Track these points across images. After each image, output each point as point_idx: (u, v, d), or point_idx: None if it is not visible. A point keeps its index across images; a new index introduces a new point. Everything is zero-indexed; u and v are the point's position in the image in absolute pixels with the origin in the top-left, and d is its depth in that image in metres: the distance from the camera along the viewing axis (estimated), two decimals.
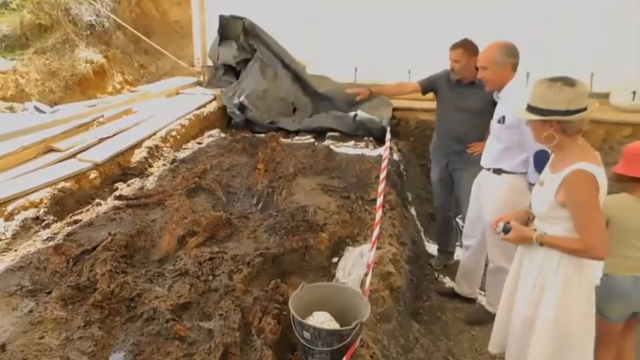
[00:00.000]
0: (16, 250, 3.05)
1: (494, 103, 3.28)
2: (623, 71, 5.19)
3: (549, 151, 2.95)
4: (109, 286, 2.51)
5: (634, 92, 4.98)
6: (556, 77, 2.11)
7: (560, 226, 2.16)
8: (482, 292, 3.73)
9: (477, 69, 3.52)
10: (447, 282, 4.09)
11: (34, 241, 3.15)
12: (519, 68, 3.15)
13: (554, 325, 2.18)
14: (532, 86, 2.19)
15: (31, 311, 2.41)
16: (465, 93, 3.73)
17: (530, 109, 2.17)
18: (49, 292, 2.59)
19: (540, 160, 3.00)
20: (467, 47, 3.63)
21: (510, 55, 3.05)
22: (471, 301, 3.78)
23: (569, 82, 2.07)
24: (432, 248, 4.58)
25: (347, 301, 2.25)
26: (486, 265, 3.60)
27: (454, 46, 3.68)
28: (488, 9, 5.42)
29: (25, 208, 3.40)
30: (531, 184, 2.97)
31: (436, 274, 4.19)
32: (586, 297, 2.21)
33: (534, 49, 4.95)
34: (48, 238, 3.17)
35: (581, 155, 2.10)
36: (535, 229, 2.27)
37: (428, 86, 4.07)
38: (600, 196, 2.08)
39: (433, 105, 4.23)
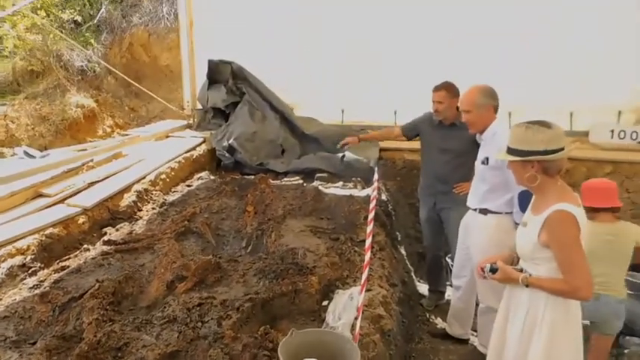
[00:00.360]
0: (0, 299, 2.99)
1: (477, 144, 3.36)
2: (600, 110, 5.37)
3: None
4: (95, 336, 2.47)
5: (612, 131, 5.14)
6: (533, 121, 2.19)
7: (544, 267, 2.19)
8: (475, 333, 3.70)
9: (458, 110, 3.65)
10: (439, 322, 4.05)
11: (20, 289, 3.10)
12: (500, 110, 3.26)
13: None
14: (510, 130, 2.27)
15: None
16: (447, 134, 3.82)
17: (510, 151, 2.23)
18: (34, 343, 2.55)
19: (525, 200, 3.05)
20: (449, 89, 3.75)
21: (490, 97, 3.16)
22: (464, 342, 3.74)
23: (545, 124, 2.16)
24: (423, 288, 4.56)
25: (337, 347, 2.23)
26: (477, 304, 3.59)
27: (437, 88, 3.80)
28: (470, 51, 5.61)
29: (12, 256, 3.36)
30: (517, 224, 3.02)
31: (428, 315, 4.16)
32: (574, 337, 2.22)
33: (516, 91, 5.15)
34: (34, 285, 3.13)
35: (561, 196, 2.15)
36: (522, 270, 2.30)
37: (411, 130, 4.21)
38: (582, 236, 2.12)
39: (418, 145, 4.32)
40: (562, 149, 2.13)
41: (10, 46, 7.98)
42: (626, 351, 3.58)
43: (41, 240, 3.57)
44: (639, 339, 3.64)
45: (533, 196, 2.34)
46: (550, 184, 2.19)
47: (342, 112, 6.45)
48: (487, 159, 3.16)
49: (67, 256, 3.58)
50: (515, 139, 2.21)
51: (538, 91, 5.47)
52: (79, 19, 8.80)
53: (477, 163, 3.28)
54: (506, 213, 3.17)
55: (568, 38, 5.42)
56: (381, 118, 6.31)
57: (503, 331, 2.42)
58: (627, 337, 3.70)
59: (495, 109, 3.19)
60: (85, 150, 5.41)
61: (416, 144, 4.85)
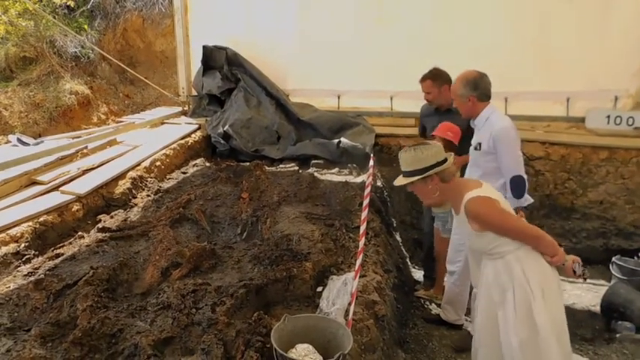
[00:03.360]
0: None
1: (472, 129, 3.35)
2: (597, 95, 5.35)
3: (524, 176, 3.05)
4: (89, 322, 2.47)
5: (608, 116, 5.12)
6: (411, 145, 2.47)
7: (508, 243, 2.32)
8: (469, 318, 3.72)
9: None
10: (434, 308, 4.08)
11: (15, 276, 3.10)
12: (497, 95, 3.24)
13: (552, 325, 2.29)
14: (400, 158, 2.46)
15: (8, 350, 2.36)
16: (443, 120, 3.80)
17: (408, 174, 2.43)
18: (29, 330, 2.55)
19: (517, 186, 3.07)
20: (435, 78, 3.71)
21: (471, 88, 3.11)
22: (458, 327, 3.77)
23: (424, 143, 2.48)
24: (419, 274, 4.58)
25: (330, 332, 2.24)
26: (472, 289, 3.60)
27: (423, 79, 3.76)
28: (468, 36, 5.56)
29: (6, 243, 3.35)
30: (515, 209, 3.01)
31: (422, 301, 4.19)
32: (558, 286, 2.39)
33: (513, 76, 5.12)
34: (29, 273, 3.12)
35: (464, 188, 2.39)
36: None
37: (422, 127, 4.26)
38: (503, 205, 2.36)
39: (414, 131, 4.32)
40: (447, 159, 2.42)
41: (1, 32, 7.88)
42: (617, 335, 3.62)
43: (35, 227, 3.56)
44: (630, 323, 3.68)
45: (449, 205, 2.52)
46: (450, 187, 2.42)
47: (339, 98, 6.42)
48: (479, 144, 3.16)
49: (62, 244, 3.57)
50: (408, 162, 2.43)
51: (535, 77, 5.44)
52: (71, 4, 8.67)
53: (471, 149, 3.28)
54: None
55: (565, 22, 5.36)
56: (378, 104, 6.28)
57: (490, 311, 2.47)
58: (619, 322, 3.74)
59: (479, 97, 3.13)
60: (80, 137, 5.37)
61: (411, 130, 4.89)
